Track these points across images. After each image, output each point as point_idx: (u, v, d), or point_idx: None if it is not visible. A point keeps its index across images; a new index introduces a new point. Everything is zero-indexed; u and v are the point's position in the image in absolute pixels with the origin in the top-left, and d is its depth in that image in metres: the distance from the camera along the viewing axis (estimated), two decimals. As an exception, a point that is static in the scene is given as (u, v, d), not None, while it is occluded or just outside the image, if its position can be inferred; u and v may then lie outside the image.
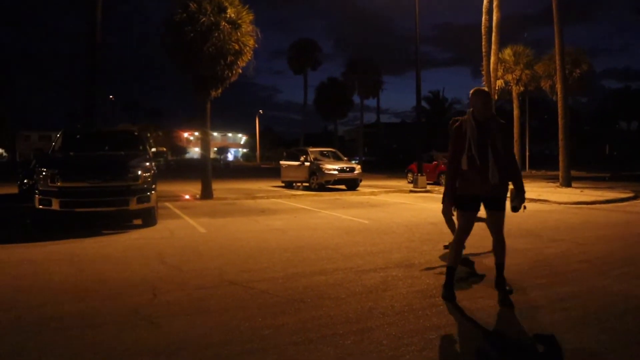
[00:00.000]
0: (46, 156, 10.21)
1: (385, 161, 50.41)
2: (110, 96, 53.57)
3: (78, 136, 11.79)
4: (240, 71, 15.35)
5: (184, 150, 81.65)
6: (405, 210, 12.57)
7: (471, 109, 4.78)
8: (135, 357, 3.44)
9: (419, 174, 19.90)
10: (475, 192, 4.67)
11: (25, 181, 14.72)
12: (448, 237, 6.52)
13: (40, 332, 3.89)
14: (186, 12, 14.27)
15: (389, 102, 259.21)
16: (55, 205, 8.79)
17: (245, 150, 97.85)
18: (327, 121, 55.07)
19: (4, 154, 72.11)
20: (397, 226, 9.64)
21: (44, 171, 8.98)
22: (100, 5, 16.79)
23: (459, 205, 4.80)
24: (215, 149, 77.11)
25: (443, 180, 17.86)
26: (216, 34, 14.19)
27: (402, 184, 22.86)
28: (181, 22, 14.26)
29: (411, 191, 18.89)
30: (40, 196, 8.91)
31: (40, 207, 8.94)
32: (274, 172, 30.22)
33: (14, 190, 16.83)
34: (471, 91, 4.78)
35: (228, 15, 14.55)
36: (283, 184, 21.88)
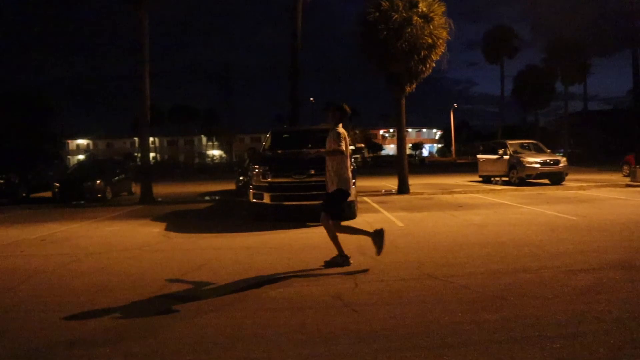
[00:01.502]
0: (258, 155, 11.29)
1: (595, 153, 45.45)
2: (311, 98, 57.16)
3: (284, 135, 12.77)
4: (434, 65, 15.19)
5: (379, 147, 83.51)
6: (621, 207, 11.20)
7: None
8: (339, 339, 3.62)
9: (638, 166, 17.57)
10: None
11: (240, 178, 16.49)
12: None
13: (257, 311, 4.32)
14: (379, 10, 14.57)
15: (598, 87, 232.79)
16: (266, 199, 9.71)
17: (440, 145, 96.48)
18: (526, 112, 51.52)
19: (223, 155, 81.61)
20: (611, 224, 8.65)
21: (256, 168, 9.97)
22: (300, 15, 18.03)
23: None
24: (410, 145, 77.38)
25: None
26: (409, 30, 14.24)
27: (616, 177, 20.39)
28: (374, 21, 14.59)
29: (628, 185, 16.75)
30: (254, 191, 9.92)
31: (254, 200, 9.95)
32: (470, 167, 29.28)
33: (231, 186, 18.99)
34: None
35: (420, 10, 14.50)
36: (480, 179, 21.07)
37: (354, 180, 9.90)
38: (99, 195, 17.24)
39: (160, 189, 19.38)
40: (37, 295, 5.09)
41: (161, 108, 69.86)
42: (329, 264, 6.00)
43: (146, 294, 4.98)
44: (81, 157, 74.07)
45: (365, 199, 14.33)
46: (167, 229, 9.78)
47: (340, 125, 6.03)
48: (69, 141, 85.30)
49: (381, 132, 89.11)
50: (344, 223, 6.11)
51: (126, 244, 8.14)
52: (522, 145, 20.05)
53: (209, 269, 6.10)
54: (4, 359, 3.45)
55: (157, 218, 11.67)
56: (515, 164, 18.25)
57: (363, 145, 22.54)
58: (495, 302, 4.40)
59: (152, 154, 19.32)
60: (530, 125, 53.71)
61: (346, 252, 6.01)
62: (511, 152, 18.87)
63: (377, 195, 15.84)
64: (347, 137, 5.98)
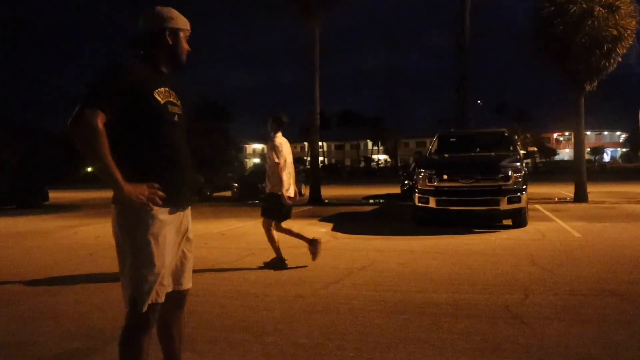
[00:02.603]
0: (424, 158, 11.22)
1: None
2: (478, 101, 55.15)
3: (452, 139, 12.51)
4: (619, 59, 13.74)
5: (552, 152, 77.66)
6: None
7: None
8: (505, 351, 3.45)
9: None
10: None
11: (405, 182, 16.51)
12: None
13: (420, 314, 4.30)
14: (554, 4, 13.58)
15: None
16: (432, 203, 9.59)
17: (624, 149, 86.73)
18: None
19: (388, 159, 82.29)
20: None
21: (422, 172, 9.90)
22: (467, 15, 17.51)
23: None
24: (589, 149, 70.72)
25: None
26: (589, 22, 13.08)
27: None
28: (549, 16, 13.64)
29: None
30: (419, 195, 9.86)
31: (419, 204, 9.90)
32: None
33: (396, 190, 19.08)
34: None
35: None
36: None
37: (524, 186, 9.38)
38: (272, 196, 18.47)
39: (328, 191, 20.16)
40: (218, 282, 5.63)
41: (329, 114, 72.71)
42: (268, 265, 6.49)
43: (310, 290, 5.23)
44: (256, 160, 79.97)
45: (537, 206, 13.43)
46: (334, 229, 10.16)
47: (279, 134, 6.42)
48: (246, 145, 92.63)
49: (555, 135, 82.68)
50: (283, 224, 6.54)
51: (296, 242, 8.58)
52: None
53: (373, 269, 6.21)
54: (205, 337, 3.87)
55: (324, 218, 12.17)
56: None
57: (535, 149, 21.16)
58: (694, 327, 3.85)
59: (320, 158, 20.23)
60: None
61: (515, 260, 5.71)
62: None
63: (550, 203, 14.76)
64: (282, 145, 6.33)
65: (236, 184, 19.32)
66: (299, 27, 18.57)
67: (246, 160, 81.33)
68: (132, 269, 2.32)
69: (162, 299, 2.38)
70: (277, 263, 6.45)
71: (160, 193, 2.31)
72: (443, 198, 9.53)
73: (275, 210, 6.43)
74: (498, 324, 4.01)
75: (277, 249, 6.49)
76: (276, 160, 6.25)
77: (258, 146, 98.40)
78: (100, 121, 2.19)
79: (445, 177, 9.60)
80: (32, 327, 4.29)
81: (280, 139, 6.40)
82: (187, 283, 2.61)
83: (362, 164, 79.34)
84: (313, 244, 6.37)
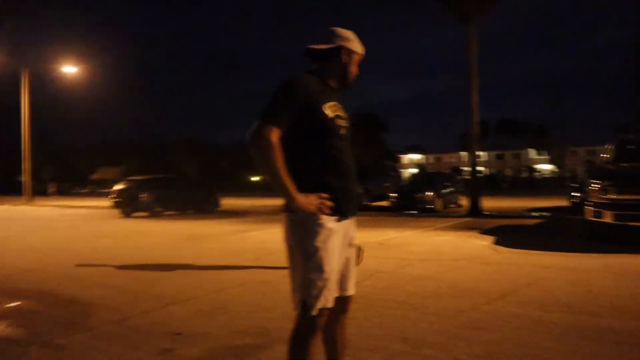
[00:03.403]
0: (598, 168, 10.24)
1: None
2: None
3: (630, 146, 11.26)
4: None
5: None
6: None
7: None
8: None
9: None
10: None
11: (573, 194, 15.22)
12: None
13: (596, 342, 3.92)
14: None
15: None
16: (607, 217, 8.69)
17: None
18: None
19: (554, 169, 76.46)
20: None
21: (595, 183, 9.03)
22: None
23: None
24: None
25: None
26: None
27: None
28: None
29: None
30: (592, 208, 9.00)
31: (592, 219, 9.02)
32: None
33: (563, 202, 17.67)
34: None
35: None
36: None
37: None
38: (430, 206, 18.23)
39: (487, 203, 19.34)
40: (377, 291, 5.69)
41: (488, 121, 69.90)
42: None
43: (471, 305, 5.04)
44: (413, 170, 79.48)
45: None
46: (496, 242, 9.70)
47: None
48: (402, 155, 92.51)
49: None
50: None
51: (455, 254, 8.40)
52: None
53: (540, 287, 5.81)
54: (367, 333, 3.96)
55: (485, 231, 11.68)
56: None
57: None
58: None
59: (479, 168, 19.52)
60: None
61: None
62: None
63: None
64: None
65: (393, 194, 19.40)
66: (456, 33, 18.20)
67: (402, 170, 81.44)
68: (303, 274, 2.45)
69: (330, 304, 2.49)
70: None
71: (329, 203, 2.44)
72: (621, 212, 8.57)
73: None
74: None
75: None
76: None
77: (414, 156, 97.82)
78: (276, 137, 2.36)
79: (624, 189, 8.65)
80: (208, 320, 4.73)
81: None
82: (352, 289, 2.70)
83: (525, 174, 74.68)
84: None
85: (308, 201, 2.39)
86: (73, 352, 3.92)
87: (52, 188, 57.64)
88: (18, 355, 3.83)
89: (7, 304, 5.58)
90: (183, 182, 23.03)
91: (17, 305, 5.52)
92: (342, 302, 2.67)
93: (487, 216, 16.05)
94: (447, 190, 20.02)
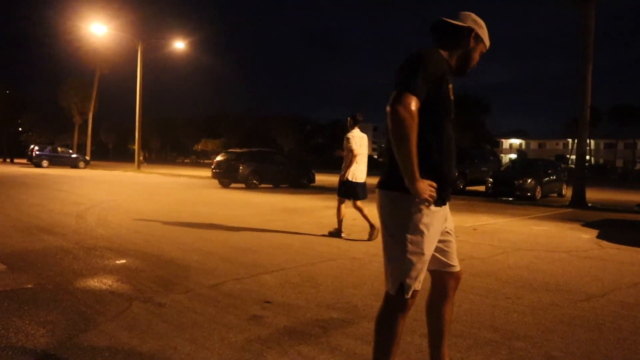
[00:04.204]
0: None
1: None
2: None
3: None
4: None
5: None
6: None
7: None
8: None
9: None
10: None
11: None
12: None
13: None
14: None
15: None
16: None
17: None
18: None
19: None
20: None
21: None
22: None
23: None
24: None
25: None
26: None
27: None
28: None
29: None
30: None
31: None
32: None
33: (683, 199, 16.17)
34: None
35: None
36: None
37: None
38: (529, 194, 17.42)
39: (593, 194, 18.17)
40: (468, 277, 5.55)
41: (599, 108, 65.14)
42: (331, 233, 8.20)
43: (568, 300, 4.79)
44: (513, 156, 76.06)
45: None
46: (599, 236, 9.10)
47: (356, 129, 7.78)
48: (503, 140, 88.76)
49: None
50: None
51: (553, 245, 7.99)
52: None
53: (646, 288, 5.40)
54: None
55: (588, 224, 11.00)
56: None
57: None
58: None
59: (586, 157, 18.34)
60: None
61: None
62: None
63: None
64: (355, 138, 7.70)
65: (491, 179, 18.70)
66: (570, 14, 17.03)
67: (502, 155, 78.19)
68: (403, 256, 2.43)
69: (419, 287, 2.49)
70: (336, 233, 8.08)
71: (434, 194, 2.36)
72: None
73: (342, 191, 7.96)
74: None
75: (339, 221, 8.04)
76: (351, 147, 7.66)
77: (516, 141, 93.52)
78: (416, 106, 2.25)
79: None
80: (297, 292, 4.85)
81: (355, 133, 7.74)
82: (457, 265, 2.72)
83: (638, 166, 69.09)
84: (373, 229, 7.69)
85: (424, 187, 2.31)
86: (172, 310, 4.18)
87: (141, 156, 61.48)
88: (123, 309, 4.15)
89: (116, 260, 6.06)
90: (280, 156, 23.60)
91: (124, 263, 5.96)
92: (452, 278, 2.71)
93: (591, 208, 15.08)
94: (549, 179, 19.00)
